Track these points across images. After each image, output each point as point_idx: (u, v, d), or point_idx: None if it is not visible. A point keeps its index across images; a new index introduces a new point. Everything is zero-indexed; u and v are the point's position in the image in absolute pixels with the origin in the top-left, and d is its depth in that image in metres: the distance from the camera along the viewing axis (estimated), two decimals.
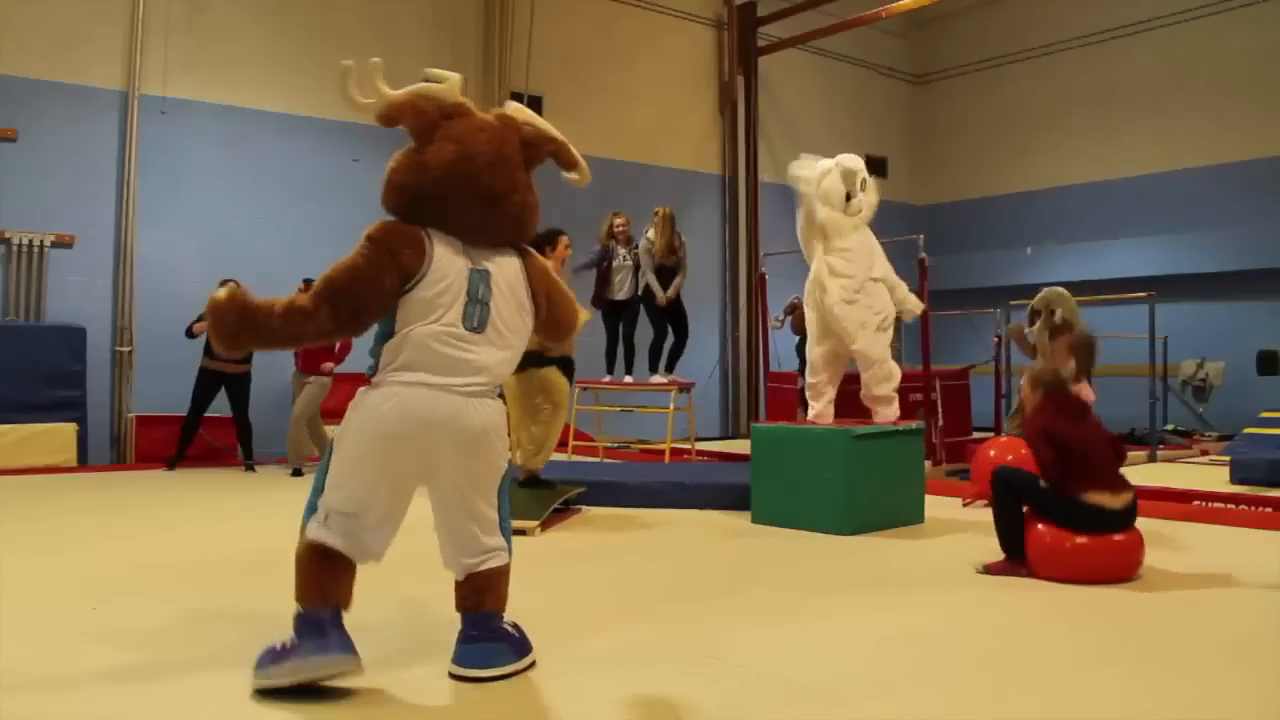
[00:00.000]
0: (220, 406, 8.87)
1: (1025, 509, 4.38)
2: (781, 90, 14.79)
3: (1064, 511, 4.23)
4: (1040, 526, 4.27)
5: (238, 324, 2.70)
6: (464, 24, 11.87)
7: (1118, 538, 4.22)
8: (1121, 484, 4.28)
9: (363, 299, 2.73)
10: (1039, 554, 4.27)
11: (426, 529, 2.96)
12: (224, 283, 8.25)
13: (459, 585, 2.98)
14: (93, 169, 9.46)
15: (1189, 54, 13.25)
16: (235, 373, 8.60)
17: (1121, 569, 4.22)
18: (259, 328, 2.71)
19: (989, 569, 4.37)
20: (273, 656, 2.73)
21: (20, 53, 9.07)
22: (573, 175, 3.20)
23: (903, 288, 6.11)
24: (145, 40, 9.63)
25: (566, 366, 6.11)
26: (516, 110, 3.06)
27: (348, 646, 2.74)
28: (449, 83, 2.89)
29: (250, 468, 8.74)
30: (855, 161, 5.94)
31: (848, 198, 5.84)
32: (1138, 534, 4.29)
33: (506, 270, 2.92)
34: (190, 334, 8.55)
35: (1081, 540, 4.17)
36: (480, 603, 2.95)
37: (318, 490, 2.83)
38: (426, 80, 2.89)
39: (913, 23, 16.22)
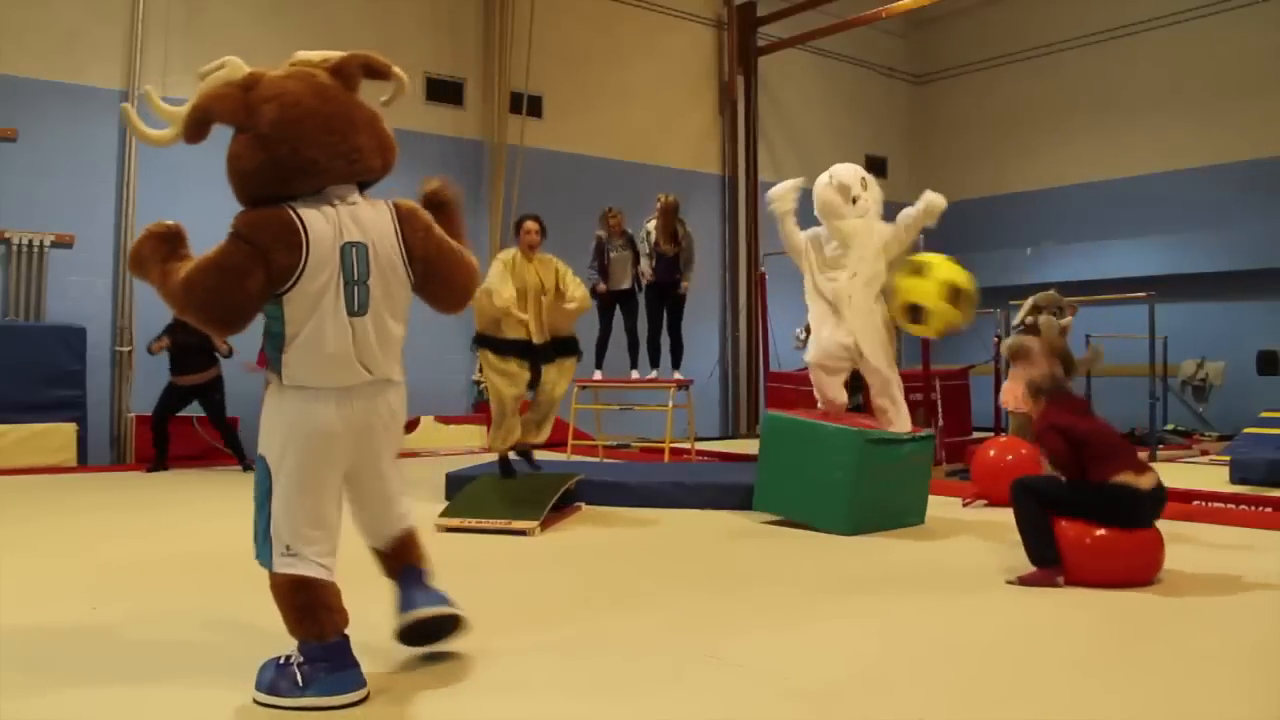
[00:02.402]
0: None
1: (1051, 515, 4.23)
2: (781, 90, 14.79)
3: (1095, 501, 4.12)
4: (1063, 523, 4.15)
5: (141, 273, 2.80)
6: (464, 24, 11.87)
7: (1142, 534, 4.15)
8: (1143, 464, 4.23)
9: (227, 303, 2.65)
10: (1066, 549, 4.12)
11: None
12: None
13: (385, 556, 3.03)
14: (93, 169, 9.47)
15: (1189, 54, 13.24)
16: (203, 382, 8.55)
17: (1145, 568, 4.16)
18: (154, 286, 2.78)
19: (1023, 580, 4.17)
20: (285, 681, 2.67)
21: (20, 53, 9.07)
22: (390, 93, 2.98)
23: (909, 215, 5.99)
24: (145, 40, 9.63)
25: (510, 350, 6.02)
26: (305, 55, 2.92)
27: (361, 679, 2.73)
28: (229, 65, 2.79)
29: (247, 467, 8.65)
30: (847, 175, 5.98)
31: (853, 201, 5.93)
32: (1158, 532, 4.24)
33: (382, 237, 2.79)
34: (150, 351, 8.60)
35: (1102, 533, 4.09)
36: (411, 560, 3.06)
37: (266, 520, 2.75)
38: (204, 77, 2.81)
39: (913, 23, 16.22)
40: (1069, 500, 4.20)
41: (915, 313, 5.14)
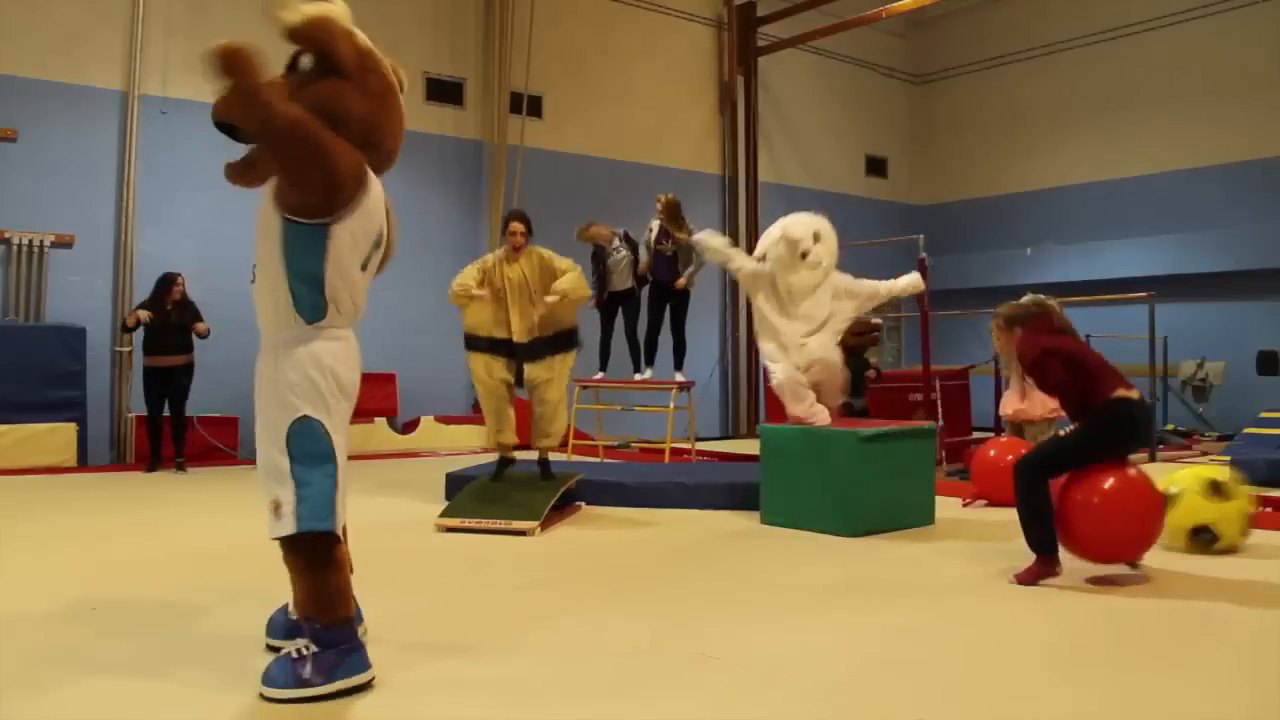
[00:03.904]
0: (214, 405, 8.86)
1: (1057, 487, 4.16)
2: (781, 90, 14.80)
3: (1104, 422, 4.10)
4: (1069, 489, 4.12)
5: (240, 69, 2.57)
6: (464, 24, 11.88)
7: (1137, 479, 4.14)
8: (1126, 379, 4.24)
9: (326, 150, 2.64)
10: (1075, 516, 4.08)
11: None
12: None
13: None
14: (93, 169, 9.47)
15: (1189, 54, 13.25)
16: (177, 366, 8.43)
17: (1150, 526, 4.14)
18: (243, 87, 2.56)
19: (1020, 579, 4.11)
20: (309, 671, 2.65)
21: (20, 53, 9.08)
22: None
23: (885, 286, 6.12)
24: (145, 40, 9.63)
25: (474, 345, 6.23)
26: (363, 39, 2.88)
27: (368, 658, 2.77)
28: (339, 5, 2.78)
29: (181, 467, 8.45)
30: (799, 229, 5.92)
31: (803, 255, 5.86)
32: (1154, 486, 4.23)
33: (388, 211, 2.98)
34: (126, 325, 8.56)
35: (1110, 486, 4.06)
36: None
37: (332, 483, 2.70)
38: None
39: (913, 23, 16.23)
40: (1075, 446, 4.17)
41: (1203, 533, 4.74)
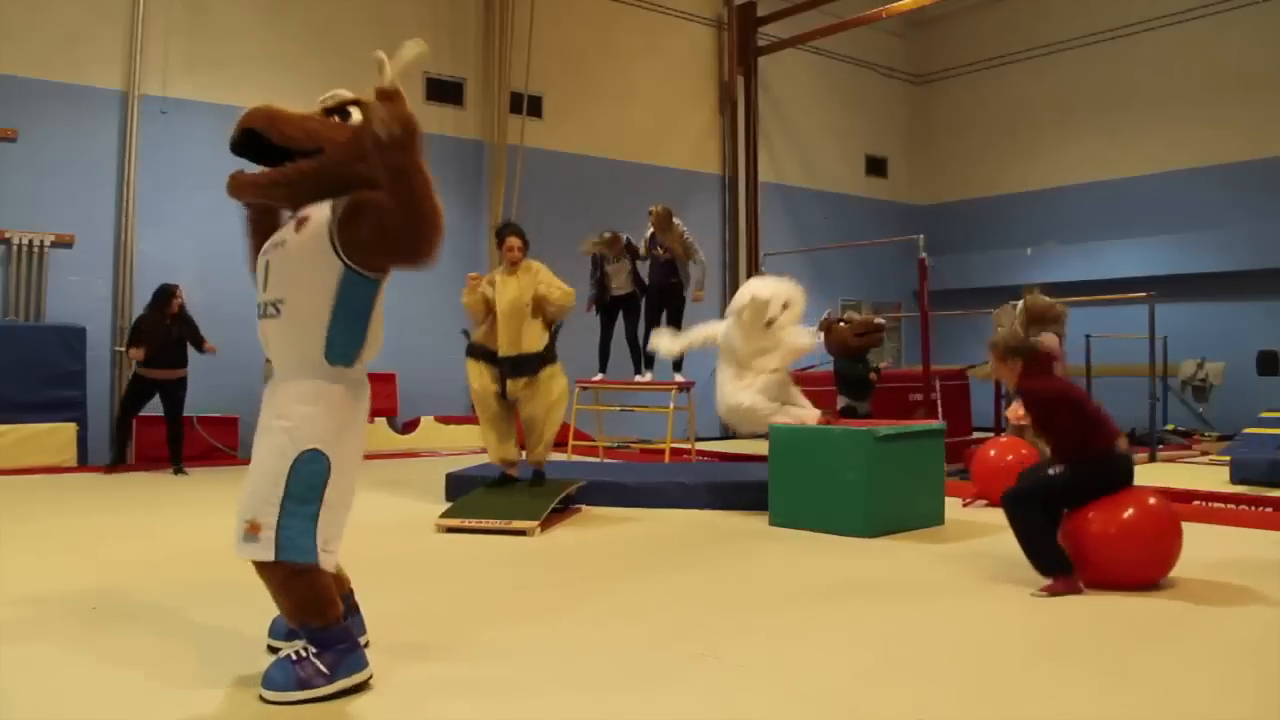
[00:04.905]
0: (214, 405, 8.84)
1: (1051, 518, 4.13)
2: (781, 90, 14.80)
3: (1092, 479, 4.09)
4: (1092, 530, 4.04)
5: (411, 151, 2.60)
6: (464, 24, 11.87)
7: (1154, 503, 4.14)
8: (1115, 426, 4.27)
9: (437, 231, 2.71)
10: (1097, 551, 4.03)
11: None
12: None
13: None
14: (93, 169, 9.46)
15: (1189, 54, 13.25)
16: (171, 379, 8.43)
17: (1170, 546, 4.10)
18: (408, 170, 2.60)
19: (1050, 591, 3.99)
20: (311, 673, 2.66)
21: (20, 53, 9.07)
22: None
23: (792, 333, 6.31)
24: (145, 40, 9.63)
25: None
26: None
27: (365, 655, 2.80)
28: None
29: (180, 471, 8.39)
30: (766, 295, 6.12)
31: (769, 323, 6.10)
32: (1172, 509, 4.23)
33: None
34: (131, 357, 8.54)
35: (1129, 516, 4.03)
36: (347, 586, 3.12)
37: (315, 513, 2.70)
38: (412, 64, 2.86)
39: (913, 23, 16.23)
40: (1065, 489, 4.14)
41: None
